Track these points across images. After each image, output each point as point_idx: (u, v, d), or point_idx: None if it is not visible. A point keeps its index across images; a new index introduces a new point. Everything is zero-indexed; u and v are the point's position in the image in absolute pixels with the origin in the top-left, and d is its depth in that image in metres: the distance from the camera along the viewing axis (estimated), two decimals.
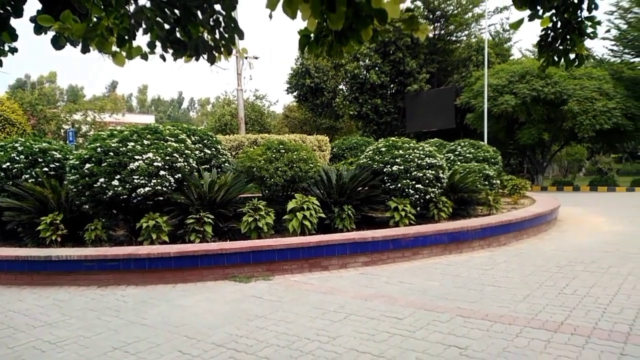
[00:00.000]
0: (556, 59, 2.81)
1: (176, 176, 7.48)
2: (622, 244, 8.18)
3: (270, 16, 2.02)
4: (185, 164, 7.68)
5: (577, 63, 2.81)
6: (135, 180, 7.01)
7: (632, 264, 6.66)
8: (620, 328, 4.18)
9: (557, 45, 2.79)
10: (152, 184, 7.10)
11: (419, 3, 29.00)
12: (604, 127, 20.33)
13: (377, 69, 28.26)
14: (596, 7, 2.77)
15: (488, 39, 25.62)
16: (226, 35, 2.24)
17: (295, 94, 30.41)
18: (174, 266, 6.20)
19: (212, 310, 5.00)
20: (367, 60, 28.45)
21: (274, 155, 8.09)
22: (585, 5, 2.80)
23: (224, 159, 9.84)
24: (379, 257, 7.03)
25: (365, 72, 28.47)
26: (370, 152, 9.40)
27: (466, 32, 30.74)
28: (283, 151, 8.24)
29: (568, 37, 2.79)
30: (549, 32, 2.80)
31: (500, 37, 30.69)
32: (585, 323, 4.33)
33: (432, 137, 22.86)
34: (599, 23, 2.87)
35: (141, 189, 7.04)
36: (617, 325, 4.25)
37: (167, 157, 7.37)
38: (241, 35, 2.31)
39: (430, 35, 29.86)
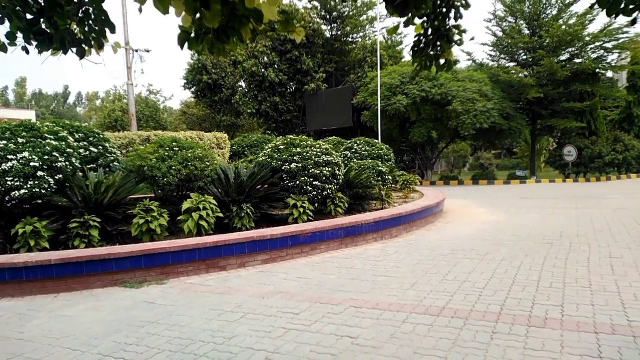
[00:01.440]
0: (428, 64, 3.03)
1: (57, 177, 6.90)
2: (498, 232, 9.05)
3: (140, 10, 1.93)
4: (68, 163, 7.11)
5: (446, 68, 3.06)
6: (9, 183, 6.37)
7: (505, 249, 7.39)
8: (493, 309, 4.63)
9: (428, 50, 3.01)
10: (28, 186, 6.48)
11: (316, 3, 29.56)
12: (483, 126, 22.28)
13: (275, 67, 28.32)
14: (461, 17, 3.03)
15: (381, 42, 26.84)
16: (96, 28, 2.10)
17: (193, 89, 29.43)
18: (56, 274, 5.71)
19: (100, 319, 4.70)
20: (264, 59, 28.39)
21: (167, 154, 7.77)
22: (452, 15, 3.05)
23: (112, 158, 9.25)
24: (278, 255, 7.07)
25: (263, 70, 28.40)
26: (269, 150, 9.43)
27: (361, 34, 31.95)
28: (177, 149, 7.95)
29: (438, 43, 3.02)
30: (422, 38, 3.01)
31: (393, 40, 32.30)
32: (464, 306, 4.73)
33: (332, 135, 23.53)
34: (464, 31, 3.14)
35: (16, 191, 6.41)
36: (490, 307, 4.69)
37: (46, 157, 6.77)
38: (112, 29, 2.18)
39: (327, 35, 30.60)
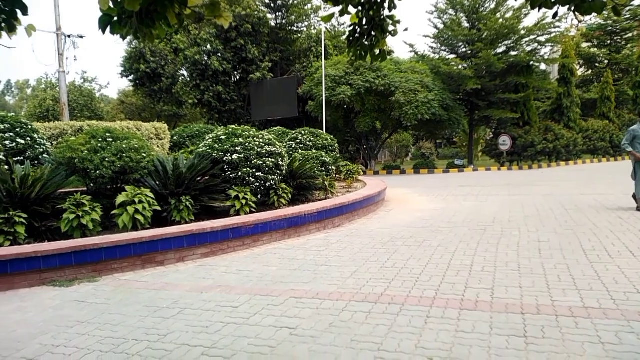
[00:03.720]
0: (363, 53, 3.04)
1: None
2: (435, 219, 9.34)
3: None
4: None
5: (380, 58, 3.08)
6: None
7: (441, 236, 7.64)
8: (428, 294, 4.76)
9: (363, 40, 3.01)
10: None
11: None
12: (424, 117, 22.90)
13: (219, 55, 27.70)
14: (395, 7, 3.06)
15: (326, 32, 26.87)
16: (6, 9, 1.93)
17: (130, 78, 28.23)
18: None
19: (25, 321, 4.42)
20: (208, 46, 27.69)
21: (99, 145, 7.41)
22: (386, 5, 3.07)
23: (42, 150, 8.72)
24: (219, 248, 6.95)
25: (206, 58, 27.71)
26: (209, 141, 9.21)
27: (306, 23, 31.85)
28: (110, 140, 7.60)
29: (372, 33, 3.03)
30: (356, 27, 3.01)
31: (337, 30, 32.42)
32: (400, 292, 4.84)
33: (277, 125, 23.38)
34: (398, 22, 3.17)
35: None
36: (426, 292, 4.83)
37: None
38: (24, 10, 2.01)
39: (272, 24, 30.25)
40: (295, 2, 30.01)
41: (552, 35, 25.87)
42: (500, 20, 25.50)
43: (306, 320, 4.16)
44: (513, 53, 26.47)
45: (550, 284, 4.93)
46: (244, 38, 27.72)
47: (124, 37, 2.41)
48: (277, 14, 30.66)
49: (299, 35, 31.36)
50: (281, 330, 3.96)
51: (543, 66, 31.06)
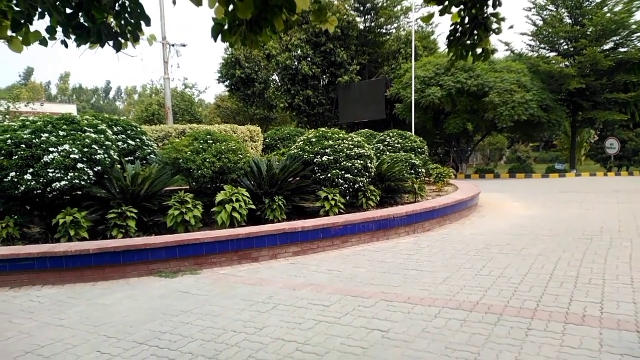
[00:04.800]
0: (464, 53, 2.95)
1: (96, 169, 7.12)
2: (534, 226, 8.80)
3: (174, 2, 1.95)
4: (106, 156, 7.31)
5: (483, 58, 2.97)
6: (51, 174, 6.60)
7: (542, 245, 7.19)
8: (529, 305, 4.51)
9: (465, 40, 2.93)
10: (69, 177, 6.71)
11: None
12: (521, 118, 21.66)
13: (308, 60, 28.30)
14: (500, 4, 2.94)
15: (416, 32, 26.42)
16: (132, 22, 2.14)
17: (227, 83, 29.78)
18: (94, 263, 5.91)
19: (135, 308, 4.83)
20: (298, 52, 28.41)
21: (201, 146, 7.90)
22: (490, 2, 2.96)
23: (149, 151, 9.49)
24: (309, 247, 7.10)
25: (297, 64, 28.45)
26: (301, 143, 9.44)
27: (395, 25, 31.52)
28: (211, 142, 8.07)
29: (475, 32, 2.94)
30: (458, 27, 2.93)
31: (426, 31, 31.72)
32: (498, 302, 4.63)
33: (364, 127, 23.36)
34: (503, 19, 3.04)
35: (57, 183, 6.64)
36: (526, 303, 4.58)
37: (86, 149, 6.98)
38: (148, 22, 2.22)
39: (361, 27, 30.33)
40: (385, 4, 29.83)
41: None
42: (608, 14, 23.42)
43: (398, 324, 4.12)
44: (622, 50, 24.16)
45: None
46: (333, 42, 28.09)
47: (232, 45, 2.56)
48: (366, 17, 30.68)
49: (388, 37, 31.12)
50: (373, 333, 3.96)
51: None
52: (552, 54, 26.13)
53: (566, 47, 25.29)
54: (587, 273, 5.54)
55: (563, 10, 25.32)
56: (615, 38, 24.10)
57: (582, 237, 7.64)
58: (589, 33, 23.69)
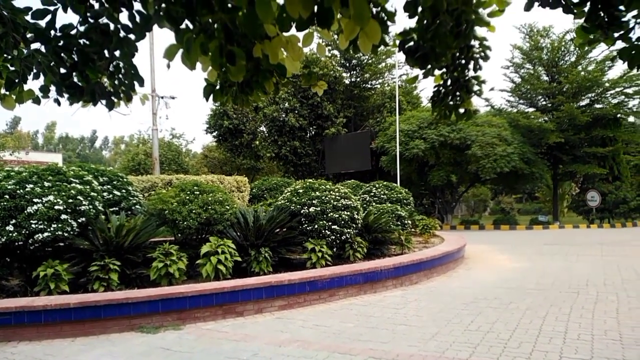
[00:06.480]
0: (447, 113, 3.06)
1: (80, 220, 7.02)
2: (521, 280, 8.79)
3: (168, 66, 2.02)
4: (91, 207, 7.24)
5: (465, 117, 3.08)
6: (33, 225, 6.49)
7: (530, 298, 7.16)
8: None
9: (448, 100, 3.04)
10: (52, 229, 6.60)
11: (336, 52, 30.36)
12: (504, 170, 22.11)
13: (295, 112, 28.91)
14: (480, 68, 3.08)
15: (399, 87, 27.27)
16: (126, 82, 2.20)
17: (214, 134, 30.10)
18: (74, 318, 5.71)
19: None
20: (286, 104, 29.06)
21: (187, 197, 7.88)
22: (471, 66, 3.10)
23: (135, 201, 9.40)
24: (295, 300, 6.98)
25: (284, 116, 29.02)
26: (288, 194, 9.48)
27: (380, 80, 32.58)
28: (197, 193, 8.06)
29: (457, 93, 3.06)
30: (441, 88, 3.05)
31: (410, 86, 32.78)
32: (487, 359, 4.55)
33: (350, 178, 23.59)
34: (484, 82, 3.17)
35: (39, 234, 6.52)
36: None
37: (70, 200, 6.91)
38: (141, 82, 2.28)
39: (347, 82, 31.29)
40: (370, 61, 30.93)
41: None
42: (583, 73, 24.59)
43: None
44: (598, 106, 25.23)
45: None
46: (320, 96, 28.79)
47: (223, 104, 2.62)
48: (352, 72, 31.72)
49: (373, 92, 32.09)
50: None
51: (632, 118, 29.20)
52: (531, 109, 27.10)
53: (544, 102, 26.29)
54: (575, 328, 5.51)
55: (540, 68, 26.50)
56: (590, 95, 25.19)
57: (568, 291, 7.65)
58: (565, 90, 24.73)
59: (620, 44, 2.60)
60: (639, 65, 2.36)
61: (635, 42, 2.42)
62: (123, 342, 5.46)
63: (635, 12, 2.28)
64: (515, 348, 4.85)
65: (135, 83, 2.25)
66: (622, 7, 2.21)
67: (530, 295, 7.40)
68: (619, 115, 25.26)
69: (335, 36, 2.31)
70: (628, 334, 5.24)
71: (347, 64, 31.08)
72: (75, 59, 2.07)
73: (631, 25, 2.35)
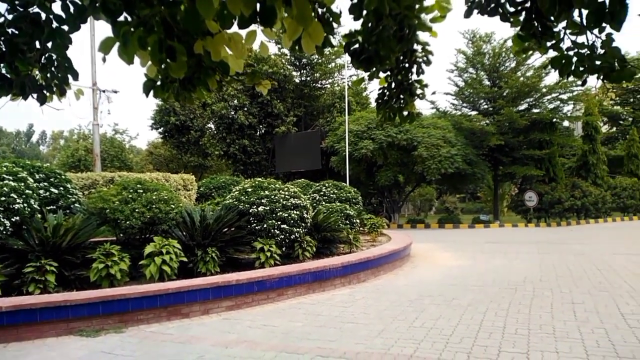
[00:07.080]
0: (392, 115, 3.13)
1: (13, 219, 6.64)
2: (464, 277, 9.12)
3: (104, 59, 1.94)
4: (26, 205, 6.85)
5: (409, 120, 3.16)
6: None
7: (471, 295, 7.44)
8: (460, 357, 4.60)
9: (392, 103, 3.11)
10: None
11: (285, 51, 30.28)
12: (448, 171, 22.85)
13: (245, 110, 28.59)
14: (423, 72, 3.17)
15: (349, 88, 27.57)
16: (59, 75, 2.09)
17: (160, 130, 29.24)
18: (7, 322, 5.37)
19: None
20: (235, 101, 28.68)
21: (130, 196, 7.61)
22: (414, 70, 3.18)
23: (74, 199, 8.96)
24: (243, 301, 6.90)
25: (233, 113, 28.63)
26: (236, 193, 9.36)
27: (330, 80, 32.80)
28: (141, 191, 7.80)
29: (401, 96, 3.13)
30: (385, 91, 3.12)
31: (360, 87, 33.21)
32: (430, 355, 4.69)
33: (300, 177, 23.61)
34: (426, 86, 3.27)
35: None
36: (457, 355, 4.67)
37: (3, 198, 6.51)
38: (75, 76, 2.17)
39: (297, 80, 31.27)
40: (320, 61, 31.08)
41: (575, 93, 26.03)
42: (522, 78, 25.84)
43: None
44: (535, 110, 26.62)
45: (589, 350, 4.72)
46: (269, 94, 28.59)
47: (165, 100, 2.55)
48: (302, 71, 31.74)
49: (323, 91, 32.27)
50: None
51: (566, 123, 31.05)
52: (474, 112, 28.17)
53: (486, 106, 27.41)
54: (513, 323, 5.78)
55: (482, 73, 27.60)
56: (528, 99, 26.54)
57: (507, 287, 8.01)
58: (505, 94, 25.89)
59: (552, 53, 2.75)
60: (569, 74, 2.50)
61: (566, 52, 2.57)
62: (61, 346, 5.20)
63: (564, 24, 2.42)
64: (457, 343, 5.02)
65: (69, 76, 2.14)
66: (552, 18, 2.34)
67: (472, 291, 7.69)
68: (554, 120, 26.75)
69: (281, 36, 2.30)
70: (560, 327, 5.55)
71: (298, 63, 31.07)
72: (3, 49, 1.95)
73: (561, 36, 2.49)
